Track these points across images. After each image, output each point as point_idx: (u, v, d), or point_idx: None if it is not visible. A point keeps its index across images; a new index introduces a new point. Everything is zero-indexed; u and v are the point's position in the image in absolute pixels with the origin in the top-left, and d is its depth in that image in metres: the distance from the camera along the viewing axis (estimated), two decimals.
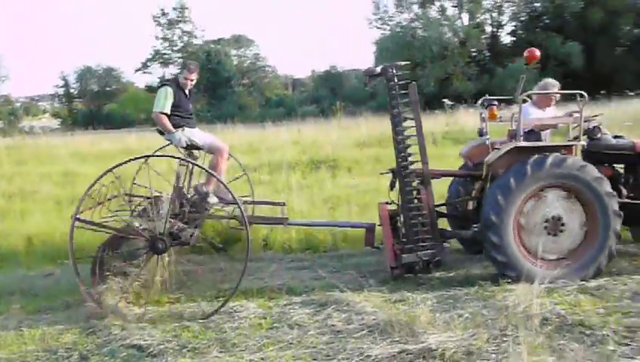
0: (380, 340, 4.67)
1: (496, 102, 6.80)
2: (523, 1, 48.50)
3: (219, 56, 60.40)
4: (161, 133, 6.98)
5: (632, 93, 26.73)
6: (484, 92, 38.28)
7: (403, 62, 6.29)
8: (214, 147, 6.99)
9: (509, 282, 5.72)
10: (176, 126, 6.82)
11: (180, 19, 64.97)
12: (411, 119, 6.18)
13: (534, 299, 4.92)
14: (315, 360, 4.46)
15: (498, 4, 49.53)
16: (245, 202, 7.06)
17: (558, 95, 7.13)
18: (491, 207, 5.88)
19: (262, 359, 4.49)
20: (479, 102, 7.19)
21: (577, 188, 5.86)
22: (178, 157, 6.37)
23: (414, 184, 6.20)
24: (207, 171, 6.43)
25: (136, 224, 5.64)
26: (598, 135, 6.48)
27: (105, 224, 5.71)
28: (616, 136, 6.72)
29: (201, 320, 5.33)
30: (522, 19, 49.56)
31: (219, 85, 58.48)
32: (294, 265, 7.30)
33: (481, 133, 7.19)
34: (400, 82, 6.12)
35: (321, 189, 11.04)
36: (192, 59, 53.88)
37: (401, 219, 6.35)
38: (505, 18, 50.28)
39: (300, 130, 19.13)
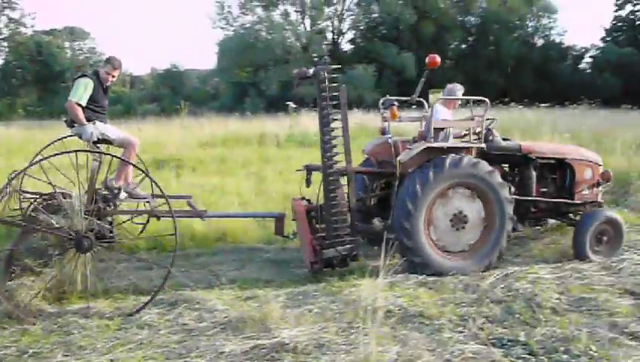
0: (232, 337, 4.67)
1: (396, 103, 7.07)
2: (362, 10, 50.53)
3: (51, 48, 56.74)
4: (71, 125, 6.62)
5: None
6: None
7: (334, 66, 6.37)
8: (126, 141, 6.69)
9: (355, 278, 5.95)
10: (88, 119, 6.51)
11: (6, 4, 60.18)
12: (338, 120, 6.33)
13: (378, 293, 5.16)
14: (167, 359, 4.37)
15: (339, 13, 51.26)
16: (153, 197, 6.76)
17: (460, 96, 7.46)
18: (402, 213, 6.20)
19: (111, 360, 4.32)
20: (380, 102, 7.42)
21: (474, 184, 6.34)
22: (93, 152, 6.00)
23: (336, 182, 6.34)
24: (131, 163, 6.21)
25: (53, 221, 5.39)
26: (490, 137, 6.96)
27: (23, 220, 5.50)
28: (504, 139, 7.28)
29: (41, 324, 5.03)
30: (361, 28, 51.69)
31: (50, 79, 54.96)
32: (141, 264, 7.05)
33: (383, 132, 7.41)
34: (331, 85, 6.26)
35: (165, 189, 10.74)
36: (21, 50, 49.93)
37: (319, 214, 6.53)
38: (345, 26, 52.18)
39: (140, 128, 18.54)
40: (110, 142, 6.65)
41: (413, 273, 6.20)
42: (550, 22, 58.28)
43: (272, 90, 43.10)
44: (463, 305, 5.41)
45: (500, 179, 6.44)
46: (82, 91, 6.50)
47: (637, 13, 59.66)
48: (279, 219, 6.88)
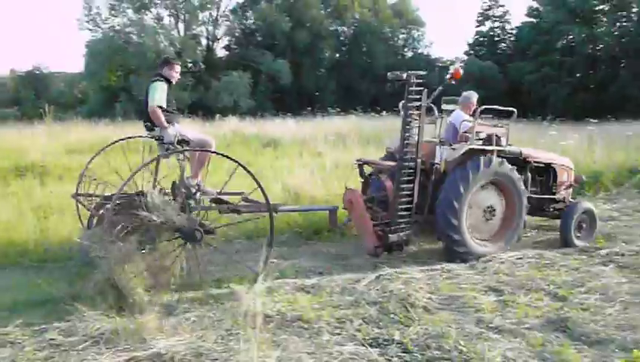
0: (105, 350, 4.45)
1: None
2: (237, 17, 50.35)
3: None
4: (151, 128, 6.85)
5: (334, 111, 29.40)
6: (199, 103, 38.79)
7: (422, 72, 7.12)
8: (203, 142, 6.96)
9: (230, 285, 5.88)
10: (167, 122, 6.76)
11: None
12: (417, 120, 7.04)
13: (256, 298, 5.13)
14: None
15: (214, 18, 50.76)
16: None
17: (475, 105, 8.33)
18: (453, 194, 6.97)
19: None
20: (400, 104, 7.69)
21: (504, 184, 7.38)
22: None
23: (409, 175, 7.05)
24: (225, 155, 6.36)
25: (154, 217, 5.62)
26: (501, 143, 7.61)
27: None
28: (509, 145, 7.88)
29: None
30: (236, 34, 51.50)
31: None
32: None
33: None
34: (416, 88, 6.96)
35: (29, 197, 10.14)
36: None
37: (377, 204, 7.32)
38: (220, 32, 51.77)
39: None
40: (188, 142, 6.72)
41: (450, 261, 7.06)
42: (419, 35, 61.10)
43: (143, 95, 41.87)
44: (341, 307, 5.51)
45: (518, 176, 7.50)
46: (160, 94, 6.78)
47: (496, 29, 63.72)
48: (332, 211, 7.34)
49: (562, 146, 15.41)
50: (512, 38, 62.95)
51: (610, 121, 24.66)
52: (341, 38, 55.70)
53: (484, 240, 7.43)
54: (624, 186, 12.16)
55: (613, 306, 5.61)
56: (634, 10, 50.78)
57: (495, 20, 63.73)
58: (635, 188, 12.20)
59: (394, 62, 55.23)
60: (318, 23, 51.46)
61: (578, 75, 52.01)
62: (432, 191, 7.31)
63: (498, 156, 7.37)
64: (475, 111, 7.96)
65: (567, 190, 8.63)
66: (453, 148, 7.36)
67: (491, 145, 7.43)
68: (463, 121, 7.99)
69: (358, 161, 8.00)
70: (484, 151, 7.30)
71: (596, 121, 21.58)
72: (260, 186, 6.19)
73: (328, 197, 9.50)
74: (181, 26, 49.26)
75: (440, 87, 7.56)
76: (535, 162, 8.24)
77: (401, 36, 60.57)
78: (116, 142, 7.57)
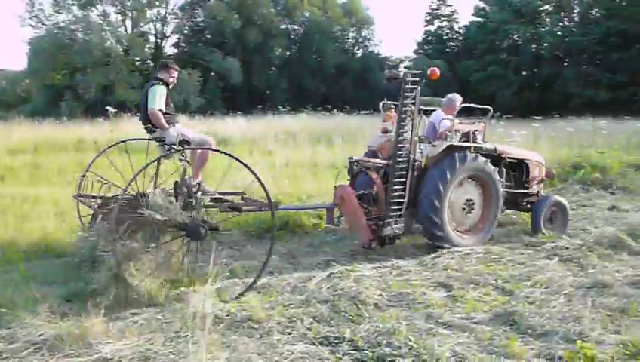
0: (49, 356, 4.33)
1: (393, 106, 8.39)
2: (186, 14, 49.71)
3: None
4: (152, 130, 7.00)
5: (285, 110, 29.34)
6: None
7: (416, 71, 7.32)
8: (202, 141, 7.10)
9: (179, 287, 5.79)
10: (168, 123, 6.93)
11: None
12: (411, 117, 7.33)
13: (206, 300, 5.07)
14: None
15: (162, 16, 50.00)
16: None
17: (459, 107, 8.58)
18: (434, 188, 7.35)
19: None
20: (380, 105, 8.65)
21: (482, 179, 7.79)
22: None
23: (403, 171, 7.34)
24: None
25: (158, 216, 5.73)
26: (478, 140, 8.00)
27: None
28: (484, 142, 8.25)
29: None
30: (185, 32, 50.86)
31: None
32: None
33: (385, 131, 8.50)
34: (411, 87, 7.21)
35: None
36: None
37: (371, 199, 7.58)
38: (169, 30, 51.02)
39: None
40: (189, 142, 6.96)
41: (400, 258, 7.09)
42: (368, 33, 61.54)
43: (90, 93, 40.98)
44: (291, 306, 5.48)
45: (495, 171, 7.93)
46: (159, 98, 6.92)
47: (444, 28, 64.66)
48: (330, 209, 7.62)
49: (509, 143, 15.75)
50: (459, 37, 64.05)
51: (555, 118, 25.27)
52: (291, 37, 55.63)
53: (465, 231, 7.82)
54: (568, 182, 12.47)
55: (558, 299, 5.74)
56: (576, 10, 52.28)
57: (443, 20, 64.74)
58: (579, 184, 12.54)
59: (344, 60, 55.57)
60: (268, 21, 51.25)
61: (524, 73, 53.28)
62: (414, 186, 7.57)
63: (475, 152, 7.73)
64: (454, 112, 8.43)
65: (539, 184, 9.00)
66: (434, 145, 7.74)
67: (469, 142, 7.82)
68: (442, 119, 8.23)
69: (350, 158, 8.25)
70: (462, 148, 7.66)
71: (541, 118, 22.10)
72: (261, 184, 6.17)
73: (280, 196, 9.46)
74: (128, 23, 48.39)
75: (418, 88, 7.65)
76: (509, 158, 8.61)
77: (351, 35, 60.91)
78: (118, 143, 7.63)
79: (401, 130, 7.32)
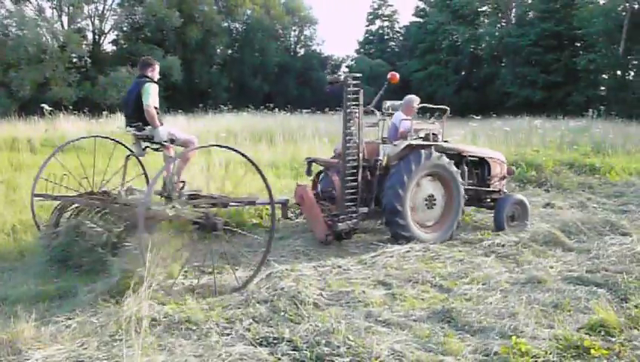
0: None
1: None
2: (125, 11, 48.62)
3: None
4: (141, 128, 7.10)
5: (226, 108, 29.07)
6: (85, 99, 37.18)
7: (358, 75, 7.71)
8: (188, 141, 7.33)
9: (116, 294, 5.60)
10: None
11: None
12: (357, 118, 7.69)
13: (143, 302, 4.95)
14: None
15: (100, 12, 48.76)
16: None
17: (417, 107, 8.88)
18: (397, 185, 7.70)
19: None
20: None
21: (443, 176, 8.12)
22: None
23: (353, 170, 7.75)
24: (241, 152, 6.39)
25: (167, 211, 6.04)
26: (437, 139, 8.41)
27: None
28: (445, 141, 8.73)
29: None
30: (124, 29, 49.76)
31: None
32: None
33: None
34: (354, 89, 7.59)
35: None
36: None
37: (326, 197, 8.16)
38: (107, 26, 49.78)
39: None
40: (173, 141, 7.20)
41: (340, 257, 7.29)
42: (311, 32, 61.65)
43: (24, 91, 39.58)
44: (230, 307, 5.42)
45: (456, 169, 8.26)
46: (154, 95, 7.05)
47: (385, 28, 65.39)
48: (284, 204, 7.68)
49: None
50: (400, 37, 64.88)
51: (492, 118, 25.86)
52: (233, 35, 55.15)
53: (428, 227, 8.17)
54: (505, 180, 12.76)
55: (494, 295, 5.85)
56: (513, 12, 53.64)
57: (384, 19, 65.48)
58: (515, 182, 12.85)
59: (287, 59, 55.49)
60: (209, 19, 50.63)
61: (463, 73, 54.37)
62: (376, 185, 8.04)
63: (435, 151, 8.08)
64: (413, 112, 8.81)
65: (500, 181, 9.37)
66: (394, 145, 8.11)
67: (428, 141, 8.18)
68: (402, 120, 8.55)
69: (307, 158, 8.77)
70: (422, 147, 8.00)
71: (479, 117, 22.57)
72: (262, 176, 6.41)
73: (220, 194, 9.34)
74: (65, 19, 46.94)
75: (380, 92, 8.53)
76: (470, 156, 9.01)
77: (293, 34, 60.87)
78: (78, 139, 8.42)
79: (348, 131, 7.65)
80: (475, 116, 22.10)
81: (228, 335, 4.81)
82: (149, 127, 7.09)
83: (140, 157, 7.90)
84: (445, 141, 8.76)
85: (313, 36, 62.54)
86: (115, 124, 21.71)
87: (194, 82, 49.14)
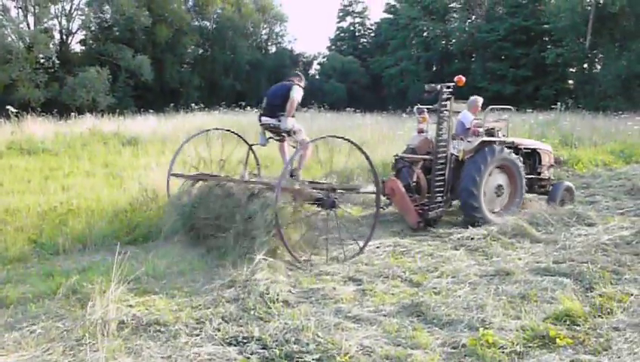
0: None
1: (425, 110, 9.66)
2: (93, 10, 47.97)
3: None
4: (273, 116, 8.45)
5: (197, 107, 28.84)
6: (54, 100, 36.45)
7: (451, 84, 8.75)
8: (304, 140, 8.30)
9: (82, 297, 5.52)
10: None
11: None
12: (447, 120, 8.82)
13: (110, 304, 4.90)
14: None
15: (67, 12, 48.05)
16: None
17: (480, 106, 9.79)
18: (474, 175, 8.69)
19: None
20: (415, 108, 10.06)
21: (509, 167, 9.14)
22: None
23: (444, 165, 8.83)
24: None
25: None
26: (499, 134, 9.44)
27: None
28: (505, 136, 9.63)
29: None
30: (93, 29, 49.10)
31: None
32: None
33: (421, 131, 9.74)
34: (446, 97, 8.71)
35: None
36: None
37: (415, 188, 9.04)
38: (75, 26, 49.06)
39: None
40: (290, 134, 8.48)
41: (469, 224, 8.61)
42: (282, 30, 61.51)
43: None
44: (200, 307, 5.38)
45: (520, 161, 9.33)
46: (300, 94, 8.51)
47: (356, 25, 65.51)
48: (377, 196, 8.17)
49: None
50: (371, 34, 65.03)
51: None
52: (204, 34, 54.75)
53: (495, 213, 9.04)
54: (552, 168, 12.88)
55: (463, 288, 5.91)
56: (482, 7, 54.06)
57: (355, 16, 65.57)
58: None
59: (258, 57, 55.27)
60: (179, 17, 50.22)
61: (434, 68, 54.66)
62: (451, 176, 8.97)
63: (500, 145, 9.07)
64: (478, 111, 9.78)
65: (549, 170, 10.39)
66: (469, 141, 9.04)
67: (493, 137, 9.19)
68: (474, 119, 9.42)
69: (395, 156, 9.61)
70: (493, 142, 9.02)
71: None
72: (371, 166, 7.59)
73: None
74: (31, 19, 46.15)
75: (427, 91, 9.12)
76: (525, 149, 9.95)
77: (264, 31, 60.67)
78: (208, 130, 9.51)
79: (440, 132, 8.75)
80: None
81: (197, 335, 4.78)
82: (276, 119, 8.41)
83: (263, 147, 9.14)
84: (504, 136, 9.68)
85: (284, 33, 62.47)
86: (85, 125, 21.47)
87: (165, 81, 48.71)
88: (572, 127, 19.93)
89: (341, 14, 65.52)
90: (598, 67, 45.77)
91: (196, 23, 54.23)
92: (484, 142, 8.96)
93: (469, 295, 5.70)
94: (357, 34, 65.91)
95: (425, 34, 55.08)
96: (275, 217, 6.49)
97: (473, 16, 55.32)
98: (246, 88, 51.69)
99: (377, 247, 7.44)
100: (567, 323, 4.93)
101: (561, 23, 43.92)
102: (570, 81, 47.92)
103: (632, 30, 41.87)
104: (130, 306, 5.26)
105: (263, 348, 4.51)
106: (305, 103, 30.46)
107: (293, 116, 8.39)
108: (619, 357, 4.33)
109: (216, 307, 5.37)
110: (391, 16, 60.39)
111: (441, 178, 8.84)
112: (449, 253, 7.34)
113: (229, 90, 50.86)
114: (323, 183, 7.90)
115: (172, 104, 32.71)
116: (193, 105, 30.22)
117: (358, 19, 65.88)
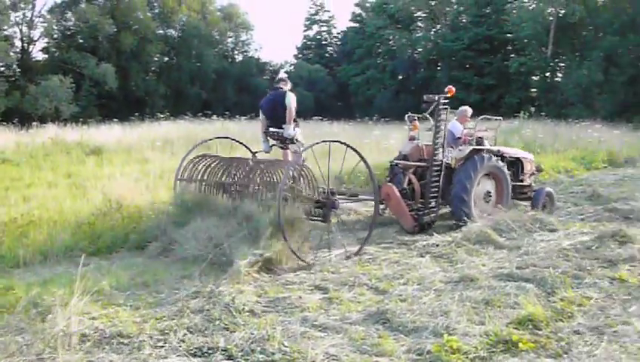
0: None
1: (416, 118, 10.22)
2: (54, 18, 47.31)
3: None
4: (277, 126, 8.90)
5: (163, 116, 28.63)
6: (15, 109, 35.90)
7: (448, 95, 9.29)
8: (301, 142, 8.86)
9: (43, 311, 5.40)
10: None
11: None
12: (442, 129, 9.27)
13: (72, 317, 4.81)
14: None
15: (29, 19, 47.29)
16: None
17: (469, 116, 10.45)
18: (465, 181, 9.16)
19: None
20: (406, 117, 10.47)
21: (496, 173, 9.64)
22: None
23: (438, 171, 9.24)
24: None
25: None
26: (486, 143, 9.97)
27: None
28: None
29: None
30: (55, 36, 48.43)
31: None
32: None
33: (412, 139, 10.10)
34: (443, 108, 9.21)
35: None
36: None
37: (409, 194, 9.42)
38: (37, 34, 48.32)
39: None
40: (293, 142, 8.86)
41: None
42: (248, 38, 61.45)
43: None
44: (164, 319, 5.30)
45: (506, 168, 9.85)
46: (295, 102, 8.85)
47: (323, 33, 65.79)
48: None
49: (385, 146, 16.23)
50: (338, 42, 65.36)
51: (429, 121, 26.26)
52: (169, 42, 54.39)
53: (484, 216, 9.35)
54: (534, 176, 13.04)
55: (428, 295, 5.95)
56: (447, 16, 54.84)
57: (322, 25, 65.86)
58: None
59: (224, 65, 55.11)
60: (144, 25, 49.85)
61: (400, 77, 55.14)
62: (443, 182, 9.34)
63: (488, 153, 9.59)
64: (467, 121, 10.36)
65: (530, 177, 10.89)
66: (460, 150, 9.56)
67: (480, 145, 9.70)
68: (464, 129, 10.00)
69: (391, 162, 9.96)
70: (481, 151, 9.53)
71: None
72: (369, 168, 8.29)
73: (155, 204, 9.18)
74: None
75: (426, 102, 9.50)
76: (509, 157, 10.43)
77: (230, 40, 60.53)
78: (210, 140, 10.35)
79: (437, 141, 9.22)
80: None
81: (161, 347, 4.71)
82: (282, 129, 8.81)
83: (266, 153, 9.40)
84: (491, 145, 10.21)
85: (250, 42, 62.42)
86: (47, 134, 21.13)
87: (130, 90, 48.26)
88: (535, 134, 20.31)
89: (308, 23, 65.77)
90: (560, 76, 46.71)
91: (161, 31, 53.91)
92: (474, 150, 9.48)
93: (434, 301, 5.74)
94: (323, 42, 66.19)
95: (391, 43, 55.64)
96: (278, 218, 6.85)
97: (438, 26, 56.11)
98: (212, 97, 51.49)
99: (348, 257, 7.46)
100: (530, 327, 5.00)
101: (523, 33, 44.83)
102: (533, 90, 48.84)
103: (591, 40, 42.91)
104: (93, 318, 5.18)
105: (228, 359, 4.47)
106: None
107: (295, 122, 8.89)
108: (579, 360, 4.41)
109: (181, 318, 5.29)
110: (357, 25, 60.85)
111: (436, 184, 9.27)
112: (415, 260, 7.39)
113: (195, 98, 50.59)
114: (323, 188, 8.18)
115: (137, 113, 32.38)
116: (159, 114, 29.99)
117: (324, 28, 66.20)
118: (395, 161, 9.87)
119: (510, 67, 45.91)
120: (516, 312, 5.36)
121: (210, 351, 4.60)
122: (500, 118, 10.93)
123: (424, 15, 57.46)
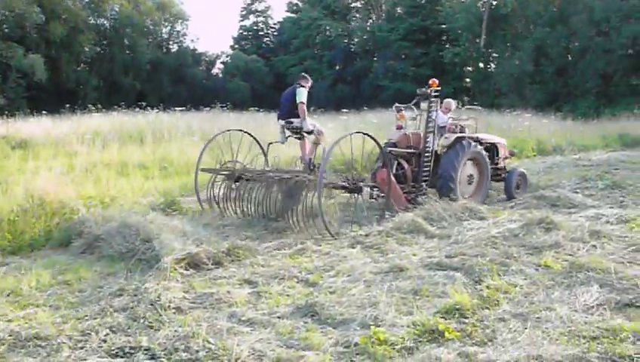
0: None
1: (403, 108, 11.07)
2: None
3: None
4: (290, 121, 9.80)
5: (95, 108, 27.79)
6: None
7: (438, 88, 10.37)
8: (320, 130, 9.77)
9: None
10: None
11: None
12: (433, 118, 10.37)
13: None
14: None
15: None
16: None
17: (453, 107, 11.86)
18: (452, 165, 10.18)
19: None
20: (394, 107, 11.26)
21: (478, 159, 10.73)
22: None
23: (429, 157, 10.36)
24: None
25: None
26: (467, 131, 11.09)
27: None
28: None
29: None
30: None
31: None
32: None
33: (400, 127, 11.00)
34: (433, 97, 10.28)
35: None
36: None
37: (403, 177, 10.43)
38: None
39: None
40: (311, 133, 9.67)
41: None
42: (183, 28, 60.35)
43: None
44: (86, 318, 5.11)
45: (486, 153, 10.99)
46: (305, 96, 9.59)
47: (259, 24, 65.29)
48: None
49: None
50: (275, 33, 65.00)
51: (364, 111, 26.47)
52: (101, 32, 52.84)
53: (466, 197, 10.32)
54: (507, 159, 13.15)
55: (358, 286, 5.92)
56: (383, 7, 55.26)
57: (258, 15, 65.30)
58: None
59: (159, 56, 53.98)
60: (74, 15, 48.22)
61: (337, 67, 55.30)
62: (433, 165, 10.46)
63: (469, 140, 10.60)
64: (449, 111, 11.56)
65: (504, 161, 11.98)
66: (446, 137, 10.55)
67: (462, 133, 10.80)
68: (448, 118, 11.17)
69: (385, 148, 10.17)
70: (464, 138, 10.58)
71: (349, 110, 23.02)
72: (382, 153, 9.71)
73: (82, 199, 8.89)
74: None
75: (419, 95, 10.60)
76: (486, 143, 11.39)
77: (164, 30, 59.30)
78: (223, 132, 10.76)
79: (429, 130, 10.29)
80: (344, 110, 22.54)
81: (81, 348, 4.54)
82: (298, 120, 9.62)
83: (282, 144, 10.44)
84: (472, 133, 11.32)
85: (186, 32, 61.34)
86: None
87: (60, 81, 46.66)
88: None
89: (244, 13, 65.10)
90: (493, 66, 47.77)
91: (93, 21, 52.28)
92: (458, 137, 10.53)
93: (363, 293, 5.72)
94: (260, 33, 65.67)
95: (327, 33, 55.62)
96: (319, 201, 7.96)
97: (374, 16, 56.44)
98: (147, 88, 50.36)
99: (276, 249, 7.38)
100: (457, 316, 5.04)
101: (457, 23, 45.59)
102: (468, 80, 49.79)
103: (522, 31, 44.01)
104: (9, 321, 4.98)
105: (151, 359, 4.33)
106: (207, 103, 30.14)
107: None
108: (503, 347, 4.45)
109: (103, 317, 5.11)
110: (294, 15, 60.60)
111: (427, 168, 10.36)
112: (345, 251, 7.38)
113: (129, 89, 49.37)
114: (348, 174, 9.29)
115: (68, 105, 31.31)
116: (91, 106, 29.10)
117: (261, 18, 65.64)
118: (389, 149, 10.45)
119: (445, 57, 46.64)
120: (444, 301, 5.39)
121: (132, 351, 4.46)
122: (480, 107, 12.59)
123: (360, 6, 57.75)
